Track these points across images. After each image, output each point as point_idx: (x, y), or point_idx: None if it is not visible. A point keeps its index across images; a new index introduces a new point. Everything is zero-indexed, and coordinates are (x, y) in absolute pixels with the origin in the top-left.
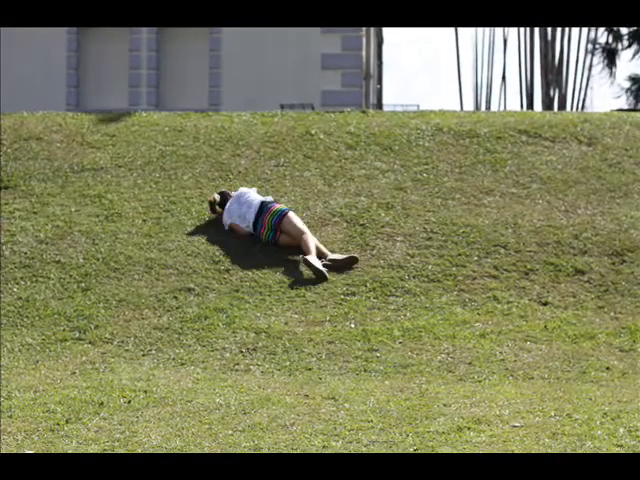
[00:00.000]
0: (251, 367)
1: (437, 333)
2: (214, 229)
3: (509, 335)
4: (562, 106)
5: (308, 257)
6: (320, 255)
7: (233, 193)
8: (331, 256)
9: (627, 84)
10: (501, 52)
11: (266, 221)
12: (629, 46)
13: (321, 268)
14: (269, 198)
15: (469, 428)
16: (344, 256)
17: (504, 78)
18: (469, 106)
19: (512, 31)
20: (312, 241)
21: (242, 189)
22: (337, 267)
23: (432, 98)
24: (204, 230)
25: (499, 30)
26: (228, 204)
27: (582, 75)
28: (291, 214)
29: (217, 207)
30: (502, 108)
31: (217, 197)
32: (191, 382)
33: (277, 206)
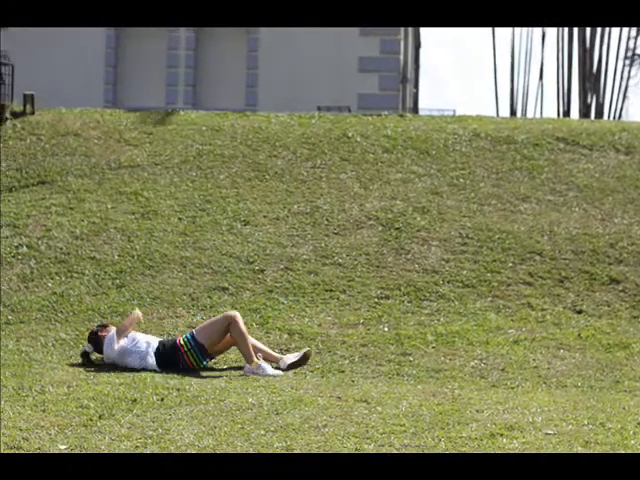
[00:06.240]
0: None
1: (470, 339)
2: (249, 229)
3: (543, 342)
4: (599, 114)
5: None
6: (267, 358)
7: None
8: (287, 361)
9: None
10: (538, 53)
11: (183, 346)
12: None
13: (275, 373)
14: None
15: (502, 435)
16: (298, 356)
17: (541, 77)
18: (505, 111)
19: (550, 33)
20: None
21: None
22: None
23: (467, 103)
24: (239, 229)
25: (537, 33)
26: (115, 345)
27: (620, 84)
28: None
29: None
30: (539, 112)
31: (88, 348)
32: (224, 381)
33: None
